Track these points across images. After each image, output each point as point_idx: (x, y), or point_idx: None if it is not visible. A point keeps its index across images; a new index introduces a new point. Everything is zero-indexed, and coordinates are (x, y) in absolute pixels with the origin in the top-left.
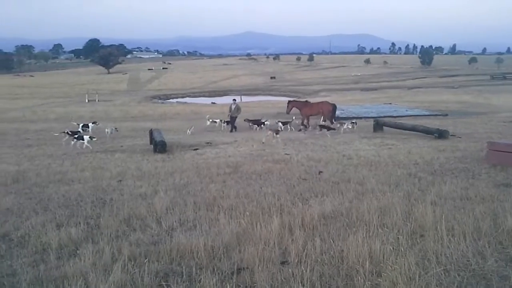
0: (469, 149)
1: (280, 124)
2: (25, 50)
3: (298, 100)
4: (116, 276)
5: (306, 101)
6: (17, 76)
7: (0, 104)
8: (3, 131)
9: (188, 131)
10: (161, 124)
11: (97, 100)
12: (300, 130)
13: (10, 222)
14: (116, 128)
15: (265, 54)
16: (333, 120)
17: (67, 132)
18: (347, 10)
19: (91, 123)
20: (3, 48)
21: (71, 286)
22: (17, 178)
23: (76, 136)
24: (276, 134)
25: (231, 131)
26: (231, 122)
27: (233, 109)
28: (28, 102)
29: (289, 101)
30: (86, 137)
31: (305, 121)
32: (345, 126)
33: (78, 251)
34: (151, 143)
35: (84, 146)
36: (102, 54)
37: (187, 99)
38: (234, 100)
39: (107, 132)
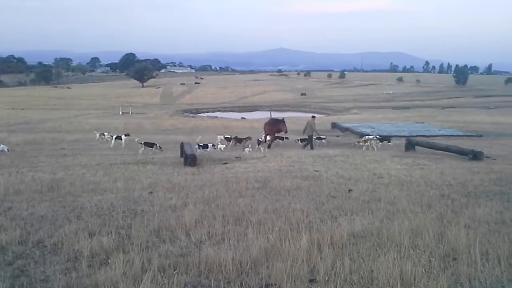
0: (504, 171)
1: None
2: (64, 62)
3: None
4: (146, 287)
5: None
6: (55, 87)
7: (38, 114)
8: (40, 140)
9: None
10: (191, 138)
11: (130, 113)
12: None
13: (44, 229)
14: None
15: (296, 71)
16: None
17: (142, 143)
18: (380, 28)
19: (123, 135)
20: (42, 60)
21: None
22: (52, 186)
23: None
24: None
25: (311, 147)
26: (309, 139)
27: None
28: (64, 113)
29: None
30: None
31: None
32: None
33: (109, 260)
34: (181, 156)
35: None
36: (137, 68)
37: (217, 114)
38: (313, 117)
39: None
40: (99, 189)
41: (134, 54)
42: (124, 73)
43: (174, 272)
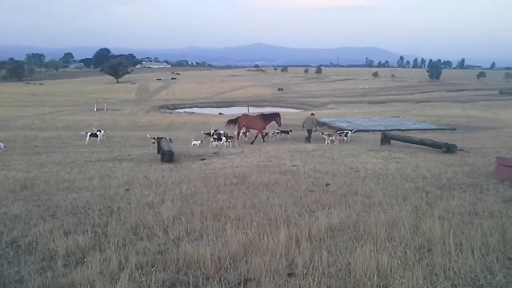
0: (477, 163)
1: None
2: (36, 58)
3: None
4: (123, 285)
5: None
6: (27, 84)
7: (10, 112)
8: (13, 138)
9: (196, 143)
10: (168, 134)
11: (105, 109)
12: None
13: (18, 228)
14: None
15: (273, 66)
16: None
17: (154, 137)
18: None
19: (97, 131)
20: (14, 56)
21: None
22: (25, 185)
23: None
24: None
25: (308, 141)
26: (309, 133)
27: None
28: (37, 110)
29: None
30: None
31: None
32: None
33: (85, 259)
34: (158, 152)
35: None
36: (111, 63)
37: (194, 109)
38: (312, 114)
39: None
40: (74, 187)
41: (109, 50)
42: (98, 68)
43: (152, 270)
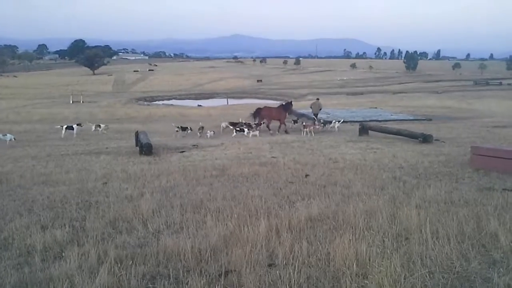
0: (452, 153)
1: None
2: (9, 50)
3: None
4: (102, 279)
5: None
6: (0, 76)
7: None
8: None
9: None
10: (146, 126)
11: (81, 102)
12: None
13: None
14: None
15: (252, 57)
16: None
17: (179, 127)
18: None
19: (75, 125)
20: None
21: None
22: (0, 179)
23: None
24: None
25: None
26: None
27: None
28: (11, 103)
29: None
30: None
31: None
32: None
33: (63, 254)
34: (137, 145)
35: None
36: (87, 55)
37: (173, 101)
38: (317, 99)
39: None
40: (50, 181)
41: (84, 41)
42: (74, 60)
43: (131, 263)
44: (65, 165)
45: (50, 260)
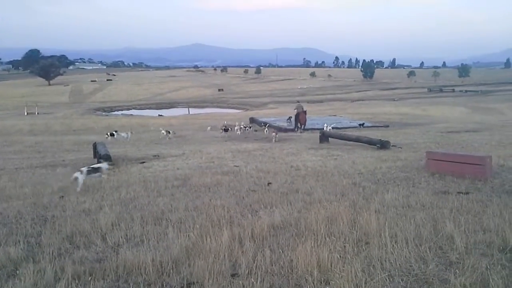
0: (409, 158)
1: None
2: None
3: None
4: None
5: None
6: None
7: None
8: None
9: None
10: (104, 138)
11: (36, 113)
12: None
13: None
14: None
15: (213, 66)
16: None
17: (224, 128)
18: (292, 25)
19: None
20: None
21: None
22: None
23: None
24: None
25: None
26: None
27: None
28: None
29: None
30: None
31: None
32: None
33: (17, 271)
34: (95, 157)
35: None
36: (42, 65)
37: (132, 111)
38: (298, 101)
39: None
40: (3, 196)
41: (38, 50)
42: (28, 70)
43: (90, 279)
44: (19, 179)
45: (3, 279)
